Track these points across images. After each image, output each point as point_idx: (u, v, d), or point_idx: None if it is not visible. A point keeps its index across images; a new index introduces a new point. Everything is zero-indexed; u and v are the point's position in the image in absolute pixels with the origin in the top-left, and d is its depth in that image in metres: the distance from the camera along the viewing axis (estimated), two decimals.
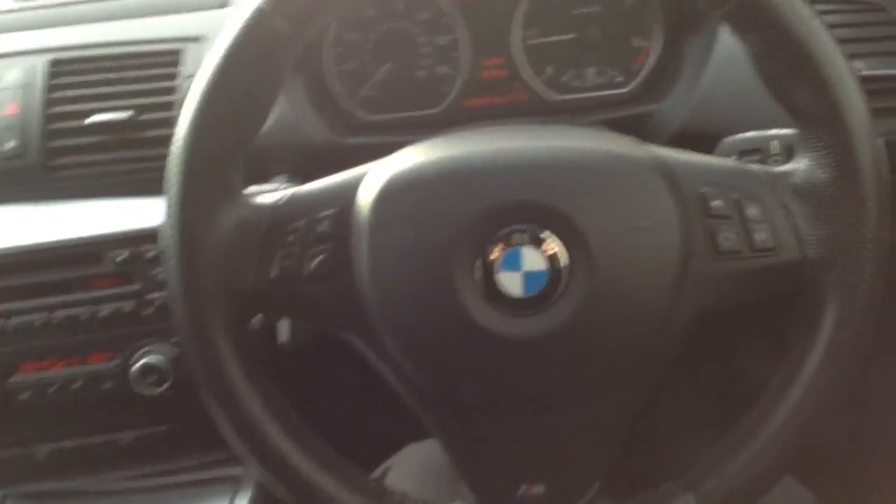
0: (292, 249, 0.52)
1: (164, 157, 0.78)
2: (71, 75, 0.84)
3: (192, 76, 0.81)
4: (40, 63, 0.84)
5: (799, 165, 0.52)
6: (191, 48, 0.84)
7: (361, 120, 0.86)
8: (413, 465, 0.78)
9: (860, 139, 0.49)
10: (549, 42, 0.85)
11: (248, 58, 0.50)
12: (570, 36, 0.85)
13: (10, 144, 0.81)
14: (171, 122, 0.81)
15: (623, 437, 0.55)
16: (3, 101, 0.82)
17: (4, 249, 0.79)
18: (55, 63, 0.84)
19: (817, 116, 0.50)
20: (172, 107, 0.82)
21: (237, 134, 0.52)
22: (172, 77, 0.84)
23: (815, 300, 0.52)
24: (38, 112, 0.81)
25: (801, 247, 0.51)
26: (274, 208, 0.53)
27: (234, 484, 0.92)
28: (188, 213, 0.50)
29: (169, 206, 0.51)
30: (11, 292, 0.80)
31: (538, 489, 0.54)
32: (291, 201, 0.53)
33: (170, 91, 0.83)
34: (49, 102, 0.82)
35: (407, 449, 0.82)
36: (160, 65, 0.85)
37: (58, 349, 0.80)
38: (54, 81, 0.83)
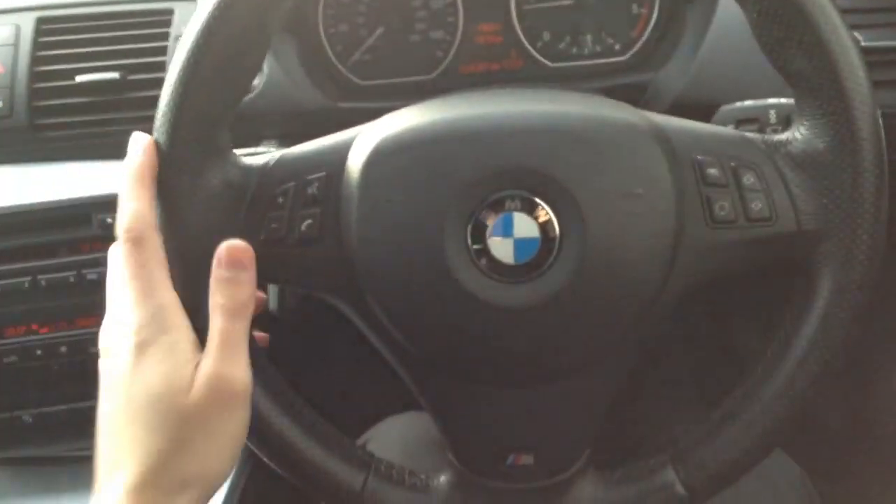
0: (281, 213, 0.51)
1: (149, 118, 0.77)
2: (58, 34, 0.82)
3: (181, 36, 0.80)
4: (27, 21, 0.82)
5: (796, 134, 0.51)
6: (182, 7, 0.83)
7: (354, 85, 0.85)
8: (392, 437, 0.78)
9: (859, 107, 0.48)
10: (547, 7, 0.84)
11: (235, 17, 0.49)
12: (568, 2, 0.83)
13: None
14: (161, 83, 0.80)
15: (611, 407, 0.54)
16: None
17: None
18: (42, 21, 0.82)
19: (816, 83, 0.49)
20: (163, 67, 0.80)
21: (225, 95, 0.50)
22: (163, 37, 0.82)
23: (810, 271, 0.51)
24: (24, 71, 0.80)
25: (798, 217, 0.51)
26: (262, 170, 0.51)
27: None
28: (173, 174, 0.49)
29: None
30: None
31: (527, 460, 0.54)
32: (280, 163, 0.52)
33: (160, 51, 0.81)
34: (36, 61, 0.81)
35: (386, 421, 0.81)
36: (150, 24, 0.83)
37: (44, 313, 0.80)
38: (41, 40, 0.82)
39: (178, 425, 0.45)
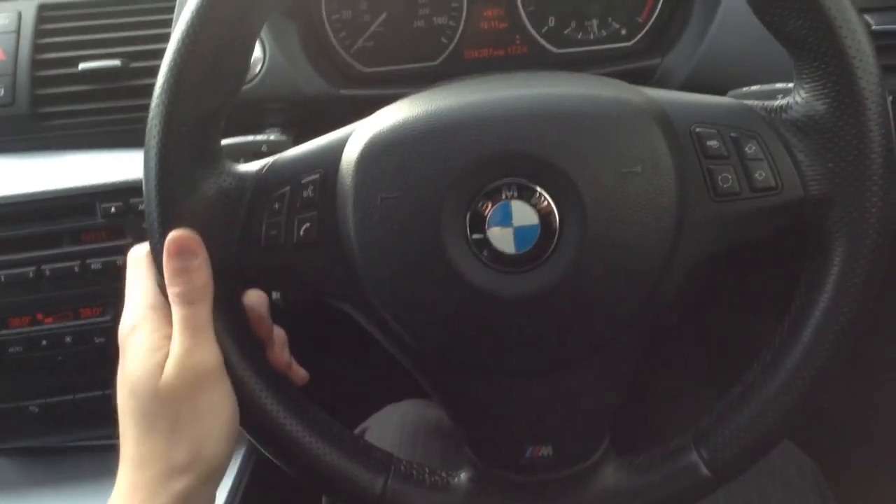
0: (278, 218, 0.50)
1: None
2: (60, 21, 0.82)
3: None
4: (28, 8, 0.81)
5: (797, 98, 0.50)
6: None
7: (357, 72, 0.84)
8: (392, 426, 0.77)
9: (859, 65, 0.47)
10: None
11: (216, 22, 0.47)
12: None
13: None
14: (158, 71, 0.79)
15: (627, 391, 0.53)
16: None
17: None
18: (44, 7, 0.82)
19: (812, 43, 0.48)
20: (159, 55, 0.79)
21: (212, 103, 0.49)
22: (165, 24, 0.81)
23: (821, 237, 0.50)
24: (25, 59, 0.79)
25: (804, 183, 0.49)
26: (257, 177, 0.50)
27: None
28: (167, 186, 0.48)
29: (147, 180, 0.49)
30: (1, 244, 0.78)
31: (545, 451, 0.52)
32: (274, 168, 0.51)
33: (162, 38, 0.81)
34: (37, 49, 0.80)
35: (384, 410, 0.81)
36: (152, 11, 0.82)
37: (49, 303, 0.80)
38: (42, 27, 0.81)
39: (157, 410, 0.47)
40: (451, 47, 0.83)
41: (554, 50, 0.83)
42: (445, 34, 0.83)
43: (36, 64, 0.80)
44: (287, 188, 0.50)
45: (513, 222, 0.47)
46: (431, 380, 0.53)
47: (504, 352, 0.50)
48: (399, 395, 0.79)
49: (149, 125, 0.48)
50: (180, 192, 0.48)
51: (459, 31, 0.83)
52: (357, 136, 0.50)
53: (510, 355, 0.50)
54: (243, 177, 0.51)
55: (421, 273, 0.48)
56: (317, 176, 0.50)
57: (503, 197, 0.47)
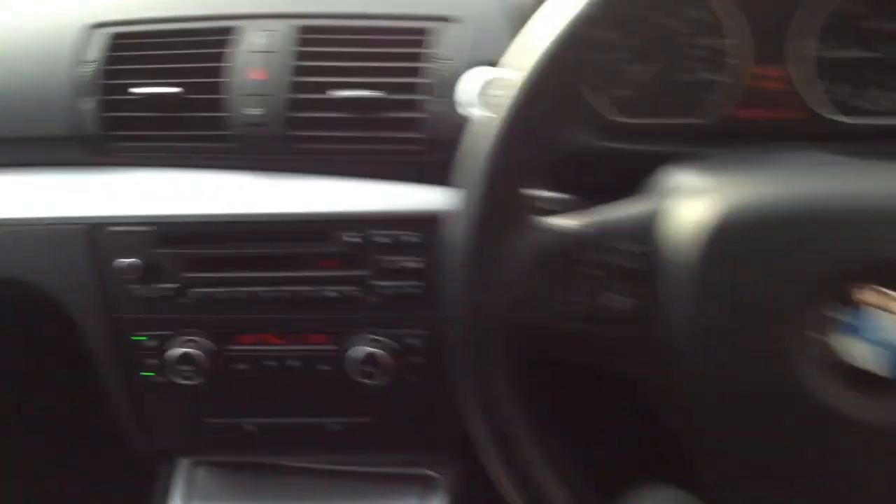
0: (594, 284, 0.46)
1: (403, 140, 0.74)
2: (319, 45, 0.81)
3: (440, 58, 0.78)
4: (290, 29, 0.81)
5: None
6: (439, 28, 0.80)
7: (617, 123, 0.79)
8: None
9: None
10: (840, 57, 0.75)
11: (564, 63, 0.45)
12: (867, 53, 0.75)
13: (255, 111, 0.79)
14: (413, 105, 0.78)
15: None
16: (250, 64, 0.80)
17: (237, 216, 0.79)
18: (305, 30, 0.81)
19: None
20: (418, 89, 0.78)
21: (536, 144, 0.46)
22: (418, 57, 0.79)
23: None
24: (284, 80, 0.79)
25: None
26: (576, 236, 0.47)
27: (424, 484, 0.90)
28: (484, 238, 0.45)
29: (458, 224, 0.47)
30: (238, 261, 0.79)
31: None
32: (596, 229, 0.47)
33: (414, 72, 0.79)
34: (296, 71, 0.80)
35: (642, 493, 0.75)
36: (407, 43, 0.81)
37: (277, 324, 0.80)
38: (302, 49, 0.81)
39: None
40: (722, 105, 0.77)
41: (835, 119, 0.76)
42: (716, 90, 0.77)
43: (293, 86, 0.79)
44: (610, 253, 0.46)
45: (878, 337, 0.42)
46: (728, 486, 0.47)
47: (843, 482, 0.44)
48: (644, 477, 0.74)
49: (466, 165, 0.46)
50: (497, 243, 0.46)
51: (730, 87, 0.77)
52: (697, 211, 0.45)
53: (852, 488, 0.44)
54: (560, 234, 0.47)
55: (759, 376, 0.43)
56: (646, 245, 0.46)
57: (870, 305, 0.42)
